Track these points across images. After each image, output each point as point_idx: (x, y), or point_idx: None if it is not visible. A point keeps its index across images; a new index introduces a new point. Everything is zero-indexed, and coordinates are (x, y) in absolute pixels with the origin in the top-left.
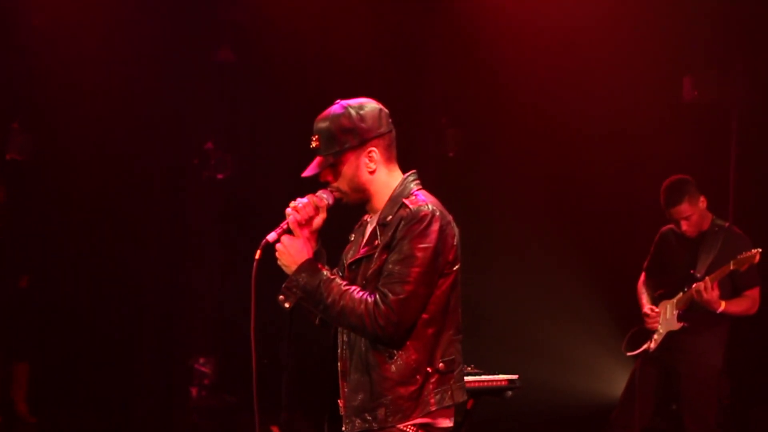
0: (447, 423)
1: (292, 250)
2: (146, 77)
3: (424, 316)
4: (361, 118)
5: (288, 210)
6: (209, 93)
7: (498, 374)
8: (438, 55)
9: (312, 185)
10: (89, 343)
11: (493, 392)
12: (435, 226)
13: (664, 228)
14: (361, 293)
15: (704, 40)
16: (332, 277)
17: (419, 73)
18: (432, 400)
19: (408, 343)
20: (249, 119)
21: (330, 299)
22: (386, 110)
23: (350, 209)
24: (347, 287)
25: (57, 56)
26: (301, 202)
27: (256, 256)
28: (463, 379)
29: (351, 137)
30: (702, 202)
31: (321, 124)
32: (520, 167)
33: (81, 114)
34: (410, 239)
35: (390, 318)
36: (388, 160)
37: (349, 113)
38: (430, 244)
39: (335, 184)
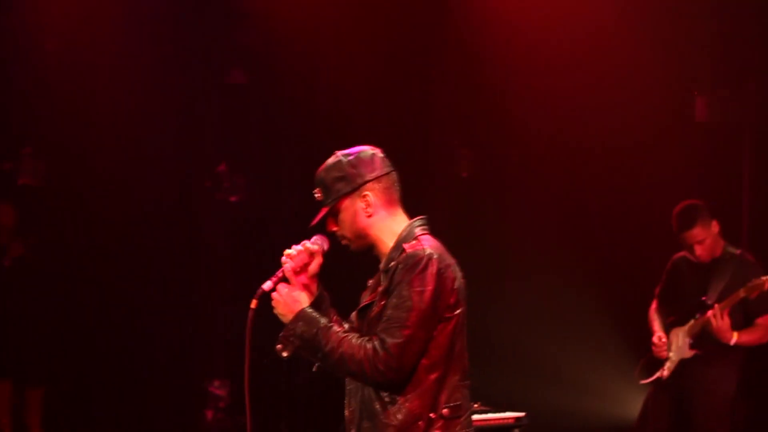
0: None
1: (288, 299)
2: (158, 100)
3: (425, 361)
4: (351, 164)
5: (283, 258)
6: (221, 115)
7: (505, 412)
8: (449, 75)
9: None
10: (104, 367)
11: (501, 431)
12: (432, 269)
13: (676, 255)
14: (359, 340)
15: (717, 59)
16: (330, 324)
17: (431, 93)
18: None
19: (409, 388)
20: (261, 141)
21: (328, 347)
22: (380, 154)
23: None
24: (345, 334)
25: (70, 80)
26: (295, 249)
27: (252, 305)
28: (471, 425)
29: (343, 184)
30: (714, 227)
31: (319, 176)
32: (531, 188)
33: (93, 138)
34: (406, 283)
35: (390, 363)
36: (387, 202)
37: (340, 161)
38: (427, 287)
39: (339, 232)
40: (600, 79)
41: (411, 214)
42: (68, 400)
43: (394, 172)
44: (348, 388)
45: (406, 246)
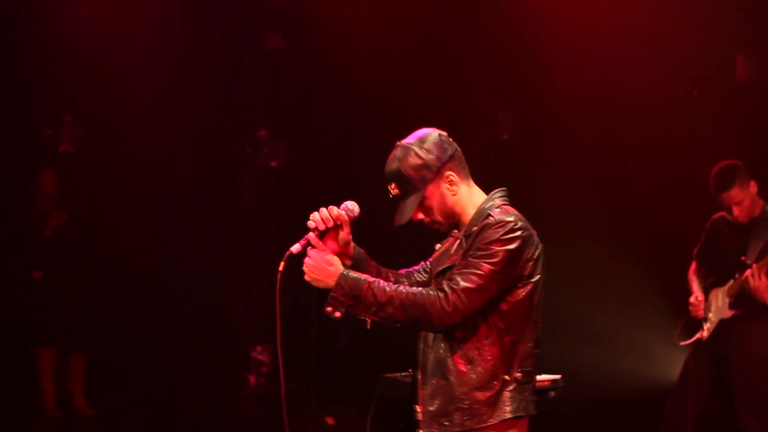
0: None
1: (320, 264)
2: (197, 66)
3: (502, 324)
4: (427, 150)
5: (309, 222)
6: (261, 81)
7: (541, 374)
8: (489, 37)
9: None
10: (145, 334)
11: (536, 393)
12: (518, 233)
13: (715, 216)
14: (415, 287)
15: (758, 18)
16: (377, 279)
17: (470, 55)
18: (508, 408)
19: (486, 349)
20: (301, 106)
21: (384, 298)
22: (444, 133)
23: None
24: (396, 285)
25: (107, 48)
26: (323, 213)
27: (280, 268)
28: (536, 393)
29: (426, 171)
30: (753, 187)
31: (392, 171)
32: (571, 150)
33: (132, 105)
34: (491, 240)
35: (457, 305)
36: (465, 177)
37: (415, 151)
38: (510, 246)
39: (428, 220)
40: (640, 39)
41: None
42: (111, 367)
43: (459, 149)
44: (420, 346)
45: (491, 212)
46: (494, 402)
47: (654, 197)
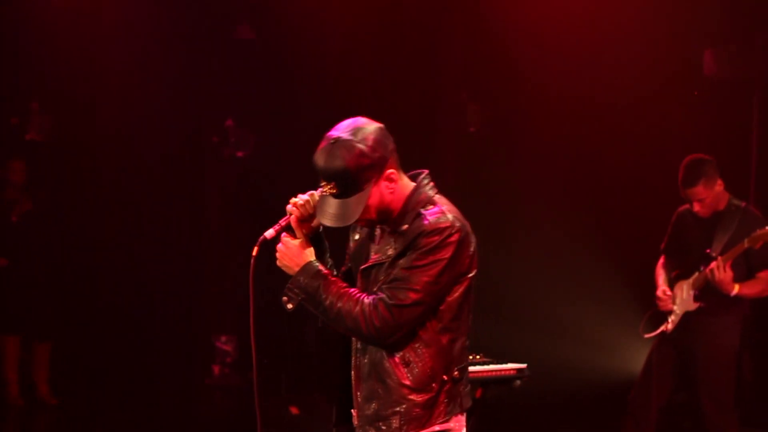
0: (460, 429)
1: (293, 252)
2: (165, 55)
3: (438, 324)
4: (373, 148)
5: (288, 207)
6: (229, 70)
7: (506, 363)
8: (457, 28)
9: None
10: (110, 323)
11: (502, 381)
12: (453, 239)
13: (681, 208)
14: (359, 295)
15: (726, 13)
16: (333, 279)
17: (439, 48)
18: (444, 409)
19: (424, 349)
20: (268, 96)
21: (328, 301)
22: (382, 125)
23: None
24: (346, 289)
25: (76, 36)
26: (301, 198)
27: (253, 253)
28: (468, 384)
29: (371, 172)
30: (719, 185)
31: (332, 169)
32: (539, 144)
33: (99, 93)
34: (426, 251)
35: (387, 321)
36: (400, 170)
37: (360, 149)
38: (445, 257)
39: (363, 217)
40: (608, 32)
41: (420, 167)
42: (75, 356)
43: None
44: (356, 347)
45: (424, 212)
46: (432, 404)
47: (622, 191)
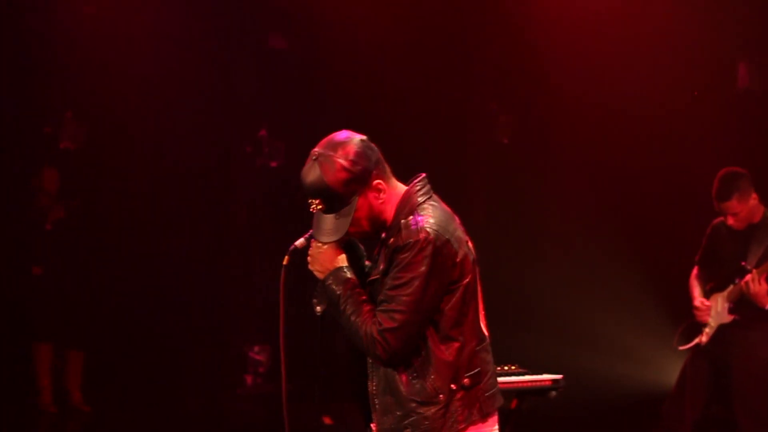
0: None
1: (324, 257)
2: (198, 64)
3: (438, 334)
4: (354, 162)
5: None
6: (262, 80)
7: (542, 374)
8: (488, 40)
9: None
10: (143, 331)
11: (537, 392)
12: (427, 252)
13: (716, 221)
14: (369, 315)
15: (760, 26)
16: (357, 291)
17: (470, 59)
18: (460, 418)
19: (427, 363)
20: (301, 106)
21: (345, 315)
22: (365, 137)
23: None
24: (362, 306)
25: (108, 45)
26: None
27: (284, 262)
28: (496, 384)
29: (355, 185)
30: (753, 199)
31: (316, 186)
32: (571, 154)
33: (132, 102)
34: (401, 268)
35: (385, 348)
36: (388, 179)
37: (340, 164)
38: (422, 270)
39: (355, 231)
40: (642, 44)
41: (452, 181)
42: (107, 364)
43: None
44: (370, 361)
45: (403, 222)
46: (443, 415)
47: (655, 202)
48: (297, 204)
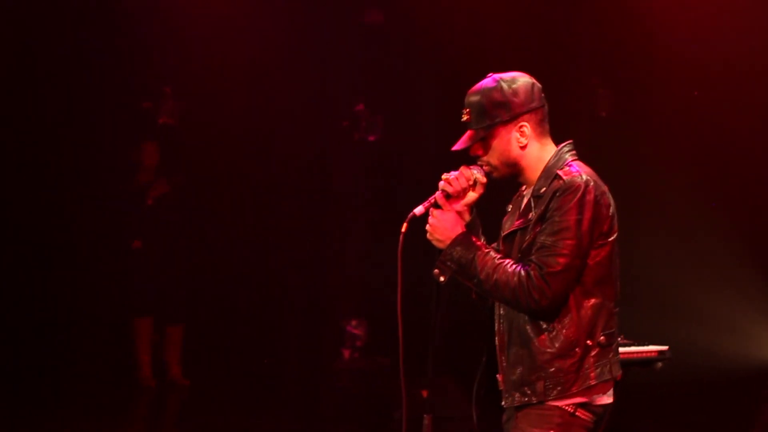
0: (606, 399)
1: (445, 224)
2: (296, 41)
3: (581, 288)
4: (514, 92)
5: (441, 183)
6: (359, 55)
7: (648, 345)
8: (589, 14)
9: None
10: (240, 305)
11: (643, 363)
12: (589, 197)
13: None
14: (514, 266)
15: None
16: (486, 250)
17: (570, 33)
18: (592, 374)
19: (566, 315)
20: (399, 80)
21: (483, 274)
22: (539, 85)
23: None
24: (501, 260)
25: (206, 22)
26: (453, 174)
27: (402, 230)
28: (619, 352)
29: (503, 111)
30: None
31: (472, 98)
32: (671, 128)
33: (229, 79)
34: (564, 211)
35: (544, 291)
36: (540, 135)
37: (501, 87)
38: (585, 216)
39: (485, 158)
40: (744, 18)
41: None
42: (206, 338)
43: (546, 106)
44: (499, 312)
45: (560, 172)
46: (577, 369)
47: (755, 174)
48: (394, 178)
